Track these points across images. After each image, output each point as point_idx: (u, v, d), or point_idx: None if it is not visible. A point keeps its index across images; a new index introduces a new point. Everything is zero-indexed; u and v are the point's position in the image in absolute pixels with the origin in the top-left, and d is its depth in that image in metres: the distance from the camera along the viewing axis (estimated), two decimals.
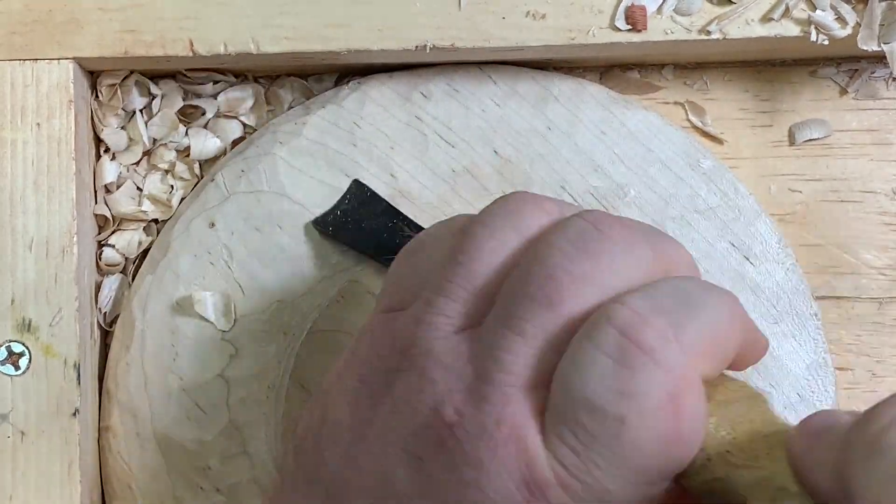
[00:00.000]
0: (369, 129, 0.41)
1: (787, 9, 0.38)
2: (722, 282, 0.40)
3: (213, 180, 0.41)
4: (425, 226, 0.39)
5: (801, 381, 0.40)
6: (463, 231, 0.30)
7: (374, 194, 0.40)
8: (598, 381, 0.25)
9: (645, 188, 0.41)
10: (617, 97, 0.41)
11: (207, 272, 0.40)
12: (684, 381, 0.25)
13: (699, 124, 0.43)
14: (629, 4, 0.38)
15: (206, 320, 0.40)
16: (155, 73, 0.42)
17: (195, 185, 0.42)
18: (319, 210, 0.40)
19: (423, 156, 0.41)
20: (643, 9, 0.38)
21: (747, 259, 0.40)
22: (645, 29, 0.38)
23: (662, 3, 0.38)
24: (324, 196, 0.40)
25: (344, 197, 0.40)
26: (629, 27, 0.38)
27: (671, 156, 0.41)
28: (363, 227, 0.40)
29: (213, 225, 0.41)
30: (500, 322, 0.27)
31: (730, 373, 0.29)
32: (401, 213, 0.40)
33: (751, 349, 0.29)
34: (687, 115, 0.43)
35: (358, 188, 0.40)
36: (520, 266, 0.28)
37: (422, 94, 0.41)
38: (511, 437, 0.26)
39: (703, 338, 0.26)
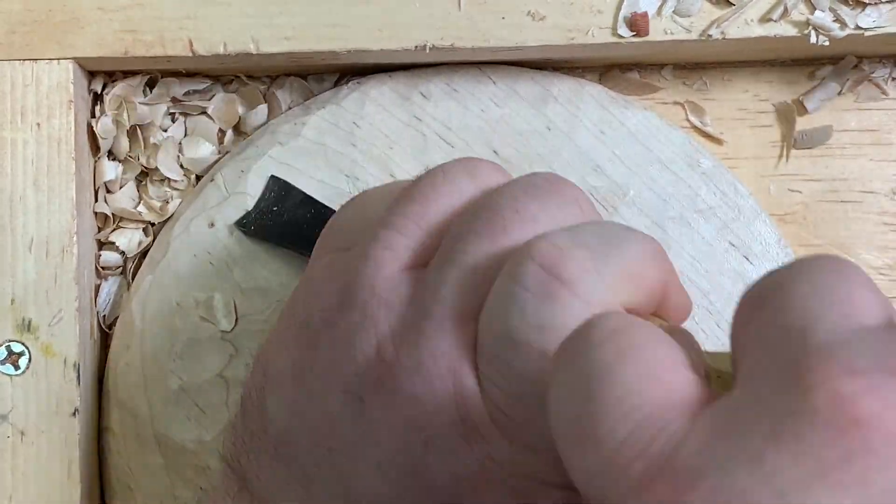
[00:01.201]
0: (369, 129, 0.41)
1: (786, 9, 0.38)
2: (721, 282, 0.40)
3: (212, 180, 0.41)
4: None
5: None
6: (418, 177, 0.30)
7: (290, 186, 0.40)
8: (518, 316, 0.25)
9: (644, 188, 0.41)
10: (616, 97, 0.42)
11: (207, 272, 0.40)
12: (606, 305, 0.25)
13: (699, 124, 0.43)
14: (631, 12, 0.38)
15: (208, 321, 0.40)
16: (150, 73, 0.42)
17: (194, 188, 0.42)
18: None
19: (423, 156, 0.41)
20: (645, 15, 0.38)
21: (747, 259, 0.40)
22: (647, 34, 0.38)
23: (662, 4, 0.38)
24: (324, 196, 0.40)
25: (263, 194, 0.40)
26: (633, 33, 0.38)
27: (670, 156, 0.41)
28: (283, 220, 0.40)
29: (212, 225, 0.41)
30: (444, 260, 0.27)
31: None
32: (319, 203, 0.40)
33: (675, 299, 0.28)
34: (686, 115, 0.43)
35: (275, 183, 0.40)
36: (469, 210, 0.28)
37: (421, 94, 0.41)
38: (446, 372, 0.26)
39: (624, 270, 0.26)
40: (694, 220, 0.41)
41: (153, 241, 0.42)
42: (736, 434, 0.17)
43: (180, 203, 0.42)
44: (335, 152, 0.41)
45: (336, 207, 0.39)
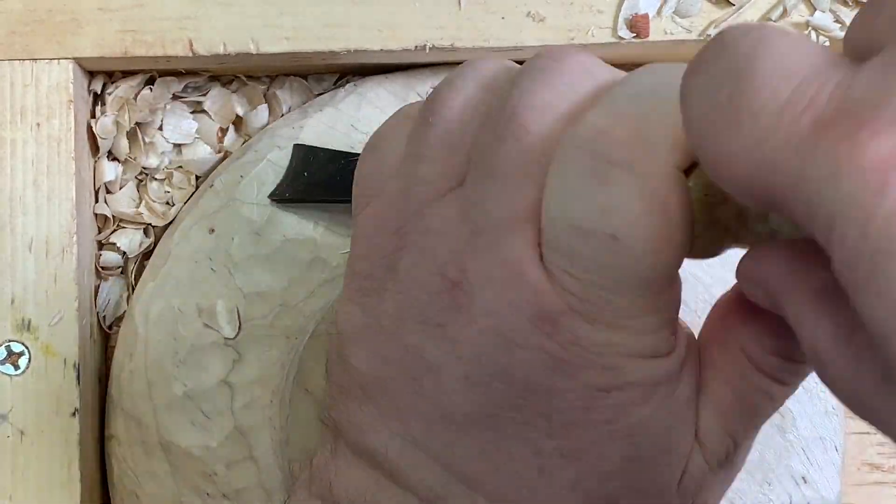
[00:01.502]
0: (367, 131, 0.41)
1: (786, 10, 0.38)
2: (724, 276, 0.40)
3: (211, 186, 0.41)
4: None
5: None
6: (428, 97, 0.30)
7: (315, 149, 0.40)
8: (579, 204, 0.25)
9: None
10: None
11: (209, 278, 0.40)
12: (661, 179, 0.25)
13: None
14: (632, 14, 0.38)
15: (211, 328, 0.40)
16: (149, 73, 0.42)
17: (193, 192, 0.42)
18: (317, 215, 0.40)
19: None
20: (646, 17, 0.38)
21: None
22: (647, 36, 0.38)
23: (662, 4, 0.38)
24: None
25: (290, 163, 0.40)
26: (633, 35, 0.38)
27: None
28: (316, 180, 0.40)
29: (212, 231, 0.40)
30: (478, 173, 0.27)
31: None
32: (346, 153, 0.40)
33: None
34: None
35: (299, 150, 0.40)
36: (489, 115, 0.28)
37: (418, 94, 0.41)
38: (514, 275, 0.26)
39: (668, 132, 0.25)
40: None
41: (154, 242, 0.42)
42: None
43: (181, 209, 0.42)
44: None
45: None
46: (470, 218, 0.27)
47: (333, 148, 0.40)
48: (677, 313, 0.28)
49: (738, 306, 0.28)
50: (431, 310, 0.27)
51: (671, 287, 0.26)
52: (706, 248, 0.26)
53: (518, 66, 0.30)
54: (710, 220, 0.26)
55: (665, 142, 0.25)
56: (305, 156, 0.40)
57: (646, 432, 0.27)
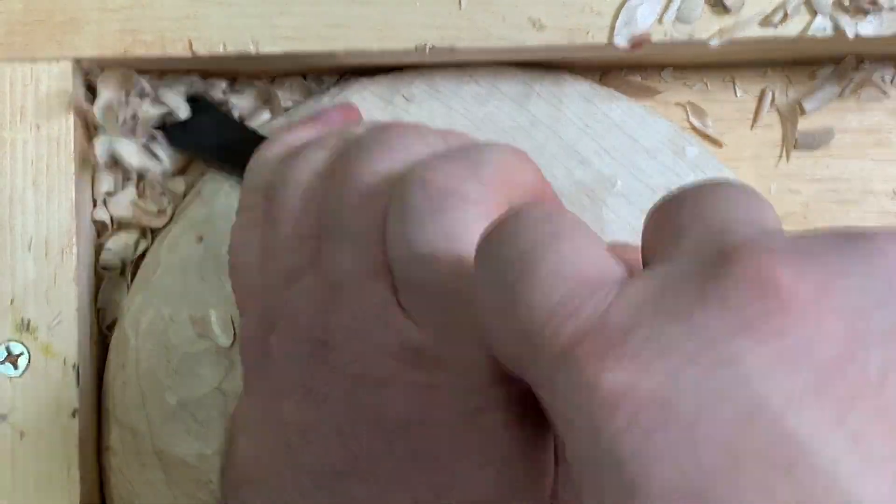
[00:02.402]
0: None
1: (786, 14, 0.38)
2: None
3: (199, 194, 0.41)
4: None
5: None
6: (268, 199, 0.33)
7: (211, 105, 0.41)
8: (419, 232, 0.27)
9: (632, 178, 0.40)
10: (599, 89, 0.41)
11: (199, 287, 0.40)
12: (496, 207, 0.27)
13: (699, 126, 0.43)
14: (629, 19, 0.38)
15: (206, 337, 0.40)
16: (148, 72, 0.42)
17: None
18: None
19: None
20: (647, 35, 0.38)
21: None
22: (640, 49, 0.38)
23: (663, 12, 0.38)
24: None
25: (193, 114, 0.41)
26: (632, 46, 0.38)
27: (656, 145, 0.41)
28: (207, 137, 0.41)
29: (201, 240, 0.40)
30: (330, 239, 0.30)
31: None
32: (240, 124, 0.41)
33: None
34: (688, 116, 0.43)
35: (205, 103, 0.41)
36: (328, 188, 0.31)
37: (403, 96, 0.41)
38: (375, 317, 0.27)
39: (499, 170, 0.28)
40: None
41: (149, 246, 0.42)
42: (664, 297, 0.19)
43: (169, 218, 0.42)
44: None
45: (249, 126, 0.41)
46: (329, 280, 0.29)
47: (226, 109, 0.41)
48: None
49: None
50: (303, 376, 0.29)
51: None
52: None
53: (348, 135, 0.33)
54: None
55: (496, 178, 0.28)
56: (206, 109, 0.41)
57: (521, 455, 0.27)
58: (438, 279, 0.26)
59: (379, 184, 0.29)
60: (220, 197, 0.41)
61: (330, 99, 0.41)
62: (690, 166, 0.41)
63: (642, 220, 0.38)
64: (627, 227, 0.40)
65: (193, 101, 0.41)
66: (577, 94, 0.41)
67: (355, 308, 0.28)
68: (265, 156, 0.34)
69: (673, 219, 0.22)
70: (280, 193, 0.32)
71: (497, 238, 0.23)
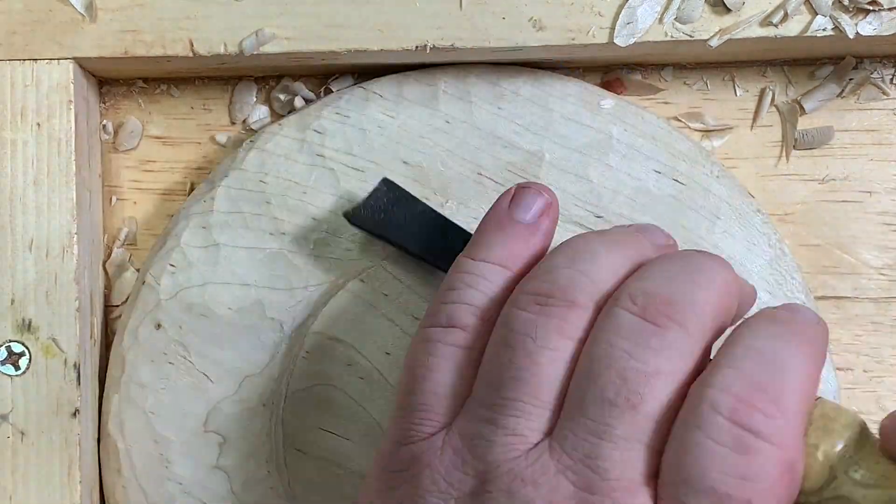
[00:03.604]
0: (277, 182, 0.40)
1: (786, 14, 0.38)
2: (659, 210, 0.40)
3: (144, 282, 0.41)
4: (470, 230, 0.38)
5: (766, 279, 0.40)
6: (510, 346, 0.30)
7: (402, 190, 0.39)
8: (719, 469, 0.26)
9: (557, 147, 0.40)
10: (501, 69, 0.41)
11: (170, 373, 0.40)
12: (796, 448, 0.27)
13: (700, 126, 0.43)
14: (630, 19, 0.38)
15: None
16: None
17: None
18: (255, 278, 0.40)
19: (338, 189, 0.40)
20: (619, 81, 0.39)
21: (677, 181, 0.40)
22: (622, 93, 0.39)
23: (663, 11, 0.38)
24: (256, 260, 0.40)
25: (374, 192, 0.39)
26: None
27: (571, 108, 0.41)
28: (393, 218, 0.39)
29: (159, 326, 0.40)
30: (582, 429, 0.28)
31: None
32: (430, 209, 0.39)
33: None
34: (686, 125, 0.43)
35: (385, 184, 0.39)
36: (582, 369, 0.29)
37: (315, 131, 0.41)
38: None
39: (800, 399, 0.28)
40: (614, 160, 0.40)
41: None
42: None
43: (121, 315, 0.42)
44: (253, 215, 0.40)
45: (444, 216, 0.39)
46: (577, 474, 0.28)
47: (417, 196, 0.39)
48: None
49: None
50: None
51: None
52: None
53: (586, 296, 0.31)
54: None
55: (797, 411, 0.27)
56: (390, 191, 0.39)
57: None
58: None
59: (662, 393, 0.28)
60: (166, 279, 0.40)
61: (243, 151, 0.41)
62: (611, 119, 0.41)
63: (579, 184, 0.38)
64: (567, 194, 0.40)
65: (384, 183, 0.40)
66: (481, 80, 0.41)
67: None
68: (480, 276, 0.33)
69: None
70: (527, 344, 0.30)
71: None
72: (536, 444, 0.29)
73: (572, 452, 0.28)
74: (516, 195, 0.35)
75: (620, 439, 0.28)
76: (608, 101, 0.41)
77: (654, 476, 0.28)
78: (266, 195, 0.40)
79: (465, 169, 0.40)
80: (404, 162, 0.40)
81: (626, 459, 0.28)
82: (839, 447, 0.28)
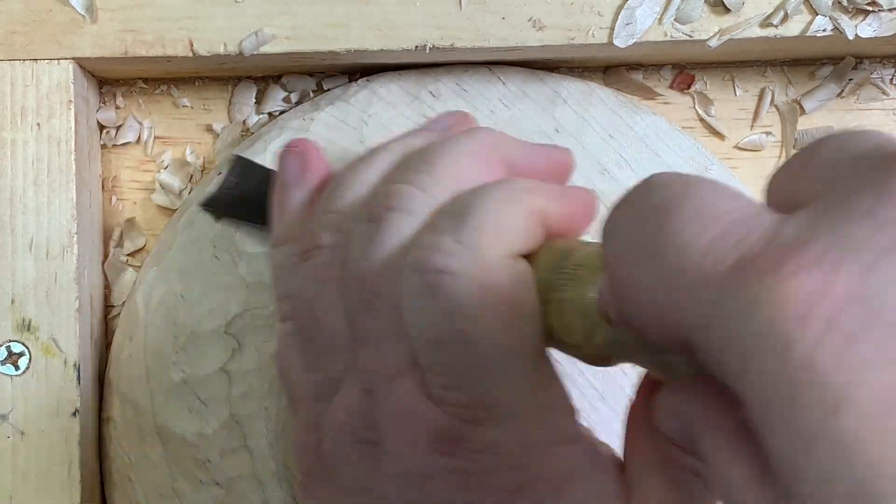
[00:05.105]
0: (377, 127, 0.41)
1: (787, 15, 0.38)
2: None
3: (219, 174, 0.41)
4: None
5: None
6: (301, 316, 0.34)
7: (253, 164, 0.40)
8: (425, 320, 0.27)
9: None
10: (625, 101, 0.41)
11: (213, 266, 0.40)
12: (490, 269, 0.27)
13: (704, 115, 0.43)
14: (629, 20, 0.38)
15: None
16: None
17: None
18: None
19: None
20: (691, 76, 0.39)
21: None
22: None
23: (663, 12, 0.38)
24: None
25: (227, 173, 0.40)
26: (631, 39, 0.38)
27: (678, 161, 0.41)
28: (247, 197, 0.40)
29: (218, 219, 0.40)
30: (361, 348, 0.31)
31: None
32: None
33: (571, 208, 0.30)
34: (694, 104, 0.43)
35: (238, 161, 0.40)
36: (346, 296, 0.32)
37: (430, 93, 0.41)
38: (407, 413, 0.28)
39: (484, 229, 0.27)
40: None
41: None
42: (838, 210, 0.17)
43: (189, 194, 0.42)
44: (343, 149, 0.41)
45: None
46: (367, 387, 0.30)
47: (266, 166, 0.40)
48: (567, 401, 0.28)
49: (647, 397, 0.28)
50: (359, 478, 0.30)
51: (542, 371, 0.28)
52: (594, 358, 0.27)
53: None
54: (590, 330, 0.26)
55: (482, 240, 0.27)
56: (243, 169, 0.40)
57: None
58: (458, 357, 0.27)
59: (391, 280, 0.29)
60: None
61: (358, 88, 0.41)
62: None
63: None
64: None
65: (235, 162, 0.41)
66: (603, 104, 0.41)
67: (391, 406, 0.29)
68: (282, 251, 0.36)
69: (815, 161, 0.20)
70: (309, 308, 0.33)
71: (629, 200, 0.21)
72: (344, 379, 0.31)
73: (361, 370, 0.30)
74: (280, 167, 0.37)
75: (377, 338, 0.29)
76: (716, 167, 0.41)
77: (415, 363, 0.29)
78: (362, 135, 0.40)
79: None
80: None
81: (384, 352, 0.29)
82: (590, 294, 0.26)
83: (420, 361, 0.28)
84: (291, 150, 0.37)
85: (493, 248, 0.27)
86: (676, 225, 0.19)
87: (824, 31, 0.38)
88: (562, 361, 0.28)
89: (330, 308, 0.32)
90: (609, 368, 0.28)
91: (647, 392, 0.27)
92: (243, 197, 0.40)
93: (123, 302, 0.42)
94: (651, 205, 0.20)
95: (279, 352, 0.35)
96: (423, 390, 0.28)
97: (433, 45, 0.39)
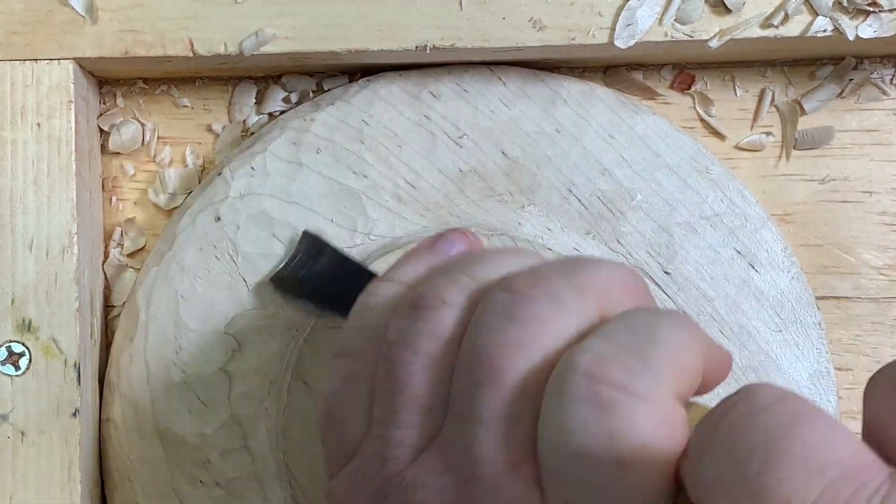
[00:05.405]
0: (378, 127, 0.41)
1: (787, 15, 0.38)
2: (726, 289, 0.40)
3: (220, 174, 0.41)
4: (378, 266, 0.39)
5: (803, 391, 0.40)
6: (386, 359, 0.29)
7: (324, 243, 0.40)
8: (583, 430, 0.24)
9: (652, 193, 0.41)
10: (626, 101, 0.42)
11: (212, 266, 0.40)
12: (666, 403, 0.25)
13: (704, 115, 0.43)
14: (630, 20, 0.38)
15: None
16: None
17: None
18: (324, 208, 0.40)
19: (431, 155, 0.41)
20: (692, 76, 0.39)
21: (752, 266, 0.40)
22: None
23: (663, 12, 0.38)
24: (331, 191, 0.40)
25: (297, 249, 0.40)
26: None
27: (679, 161, 0.41)
28: (318, 278, 0.39)
29: (218, 219, 0.41)
30: (459, 420, 0.27)
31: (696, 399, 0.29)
32: (350, 260, 0.39)
33: (715, 366, 0.28)
34: (694, 104, 0.43)
35: (307, 238, 0.40)
36: (458, 363, 0.28)
37: (431, 93, 0.41)
38: None
39: (670, 361, 0.25)
40: (701, 226, 0.41)
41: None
42: None
43: (188, 194, 0.42)
44: (343, 149, 0.41)
45: (364, 263, 0.39)
46: (457, 467, 0.27)
47: (338, 247, 0.40)
48: None
49: None
50: None
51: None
52: None
53: (458, 293, 0.29)
54: None
55: (666, 370, 0.25)
56: (312, 247, 0.40)
57: None
58: (597, 478, 0.24)
59: (526, 364, 0.26)
60: (241, 179, 0.41)
61: (358, 88, 0.41)
62: (711, 185, 0.41)
63: (658, 236, 0.38)
64: (643, 240, 0.40)
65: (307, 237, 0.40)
66: (603, 104, 0.41)
67: (494, 500, 0.26)
68: (378, 296, 0.32)
69: None
70: (398, 354, 0.29)
71: (729, 418, 0.20)
72: (425, 448, 0.28)
73: (453, 446, 0.27)
74: (444, 234, 0.35)
75: (488, 420, 0.26)
76: (717, 168, 0.41)
77: (534, 452, 0.26)
78: (362, 135, 0.41)
79: (557, 180, 0.41)
80: (502, 152, 0.41)
81: (496, 441, 0.26)
82: None
83: (549, 469, 0.25)
84: (461, 232, 0.35)
85: (676, 383, 0.25)
86: (781, 472, 0.18)
87: (825, 31, 0.38)
88: None
89: (428, 367, 0.28)
90: None
91: None
92: (315, 277, 0.39)
93: (123, 302, 0.42)
94: (752, 443, 0.19)
95: (332, 390, 0.31)
96: (540, 496, 0.26)
97: (433, 46, 0.39)
